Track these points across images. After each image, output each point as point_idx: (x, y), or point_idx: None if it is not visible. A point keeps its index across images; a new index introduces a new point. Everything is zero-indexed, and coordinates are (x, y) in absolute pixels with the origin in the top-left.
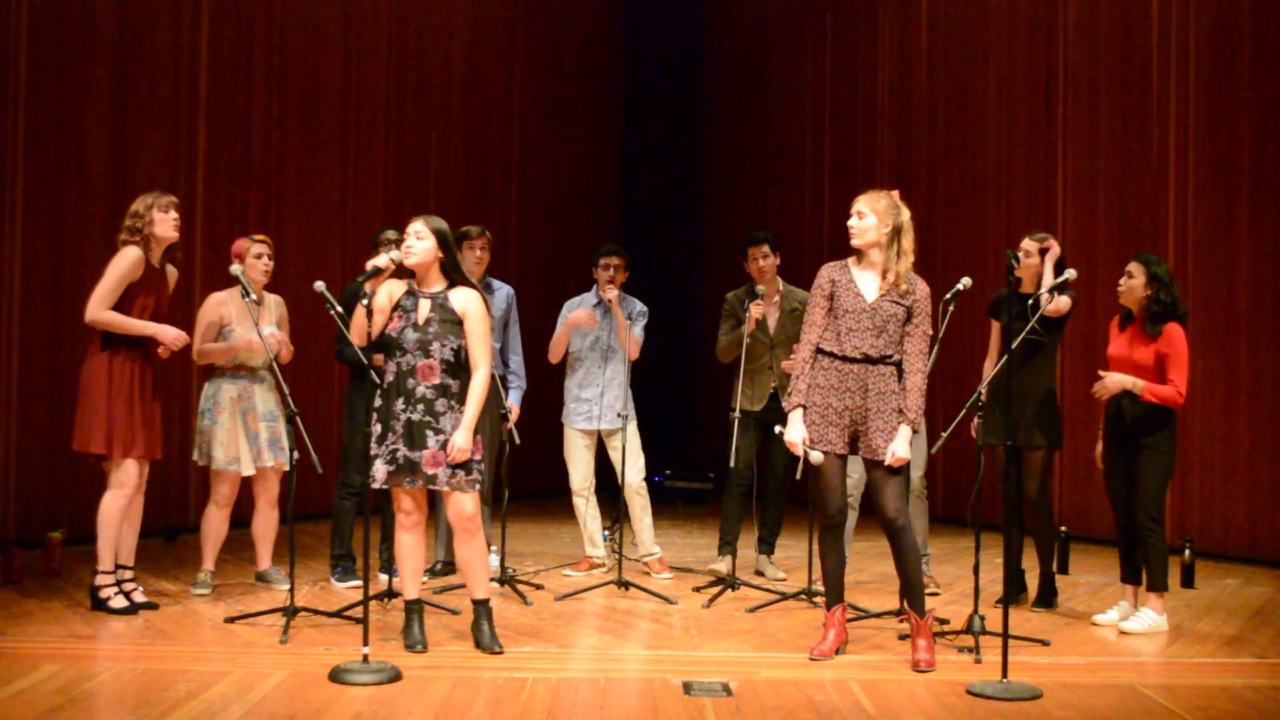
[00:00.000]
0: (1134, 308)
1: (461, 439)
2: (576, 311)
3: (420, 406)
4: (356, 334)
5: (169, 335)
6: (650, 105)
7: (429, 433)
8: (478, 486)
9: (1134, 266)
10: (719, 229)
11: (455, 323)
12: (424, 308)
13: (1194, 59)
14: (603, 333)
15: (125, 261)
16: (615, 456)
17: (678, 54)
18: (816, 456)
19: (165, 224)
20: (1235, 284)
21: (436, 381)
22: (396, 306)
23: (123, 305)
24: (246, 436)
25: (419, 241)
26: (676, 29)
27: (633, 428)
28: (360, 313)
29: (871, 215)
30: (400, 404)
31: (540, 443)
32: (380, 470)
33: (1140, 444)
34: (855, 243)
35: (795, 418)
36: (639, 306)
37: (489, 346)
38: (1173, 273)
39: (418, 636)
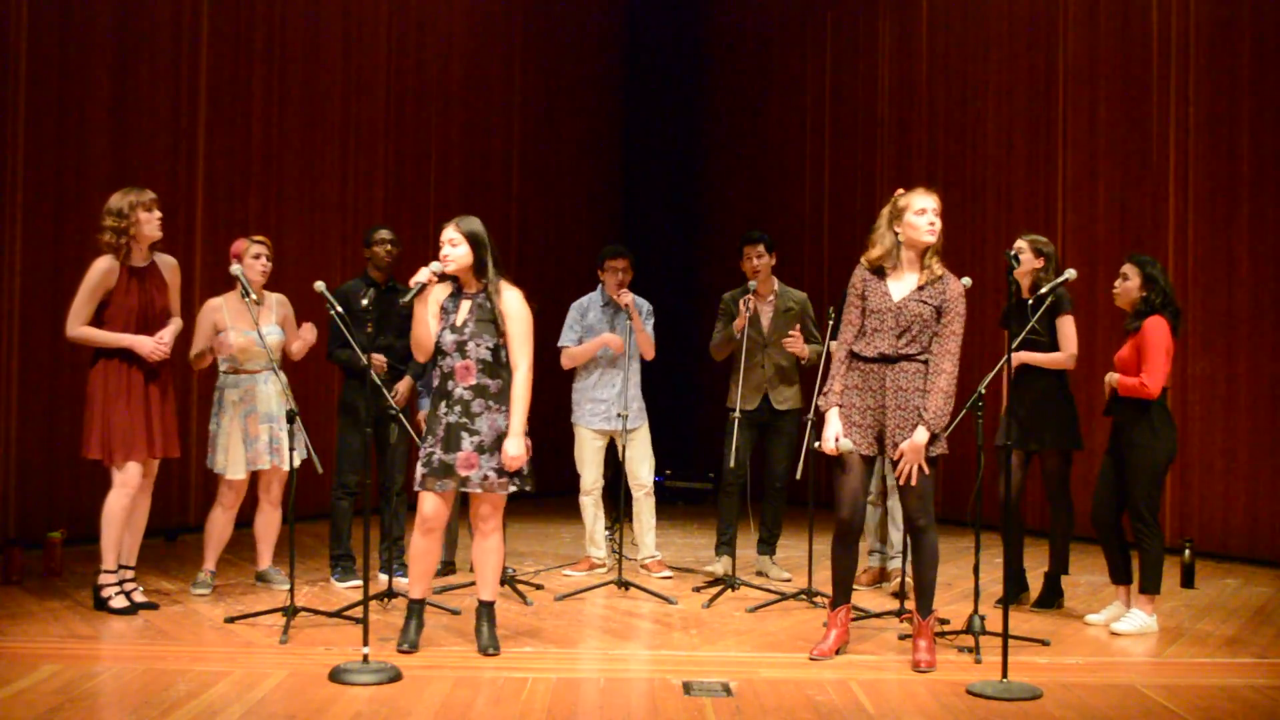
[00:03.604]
0: (1127, 309)
1: (514, 447)
2: (609, 336)
3: (458, 408)
4: (419, 351)
5: (145, 347)
6: (650, 105)
7: (464, 435)
8: (512, 489)
9: (1128, 268)
10: (719, 228)
11: (491, 321)
12: (464, 309)
13: (1194, 59)
14: (619, 334)
15: (94, 274)
16: (631, 455)
17: (678, 54)
18: (846, 444)
19: (151, 224)
20: (1235, 284)
21: (473, 382)
22: (441, 309)
23: (105, 313)
24: (244, 440)
25: (453, 249)
26: (677, 29)
27: (645, 429)
28: (418, 329)
29: (939, 216)
30: (443, 407)
31: (540, 443)
32: (420, 473)
33: (1125, 443)
34: (930, 239)
35: (831, 417)
36: (646, 306)
37: (529, 346)
38: (1166, 271)
39: (410, 636)
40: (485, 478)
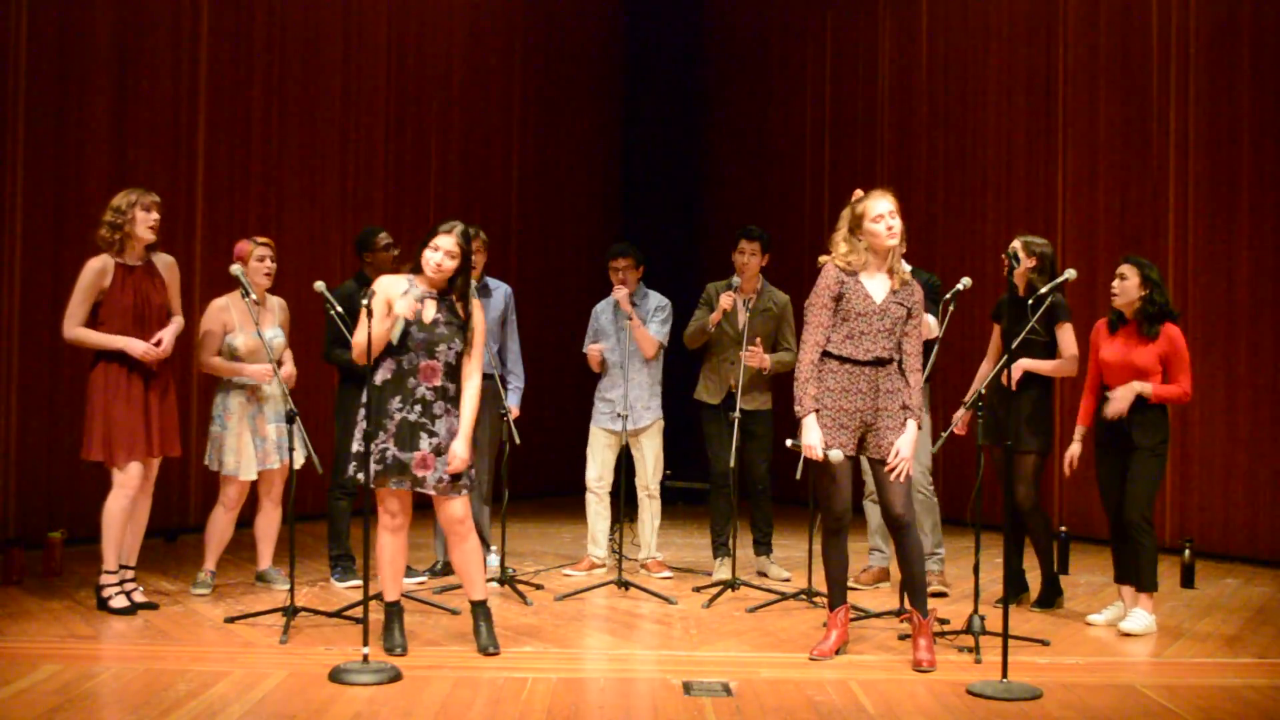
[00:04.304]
0: (1128, 310)
1: (462, 449)
2: (591, 348)
3: (418, 408)
4: (358, 353)
5: (137, 349)
6: (650, 105)
7: (423, 435)
8: (465, 491)
9: (1126, 268)
10: (718, 228)
11: (461, 329)
12: (430, 309)
13: (1194, 60)
14: (623, 334)
15: (88, 274)
16: (637, 455)
17: (678, 54)
18: (836, 455)
19: (145, 224)
20: (1235, 284)
21: (437, 384)
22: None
23: (102, 312)
24: (254, 441)
25: (450, 261)
26: (676, 29)
27: (654, 430)
28: (361, 333)
29: (898, 215)
30: (396, 402)
31: (541, 442)
32: (371, 469)
33: (1135, 447)
34: (893, 243)
35: (810, 423)
36: (656, 303)
37: (482, 359)
38: (1162, 273)
39: (398, 640)
40: (440, 480)
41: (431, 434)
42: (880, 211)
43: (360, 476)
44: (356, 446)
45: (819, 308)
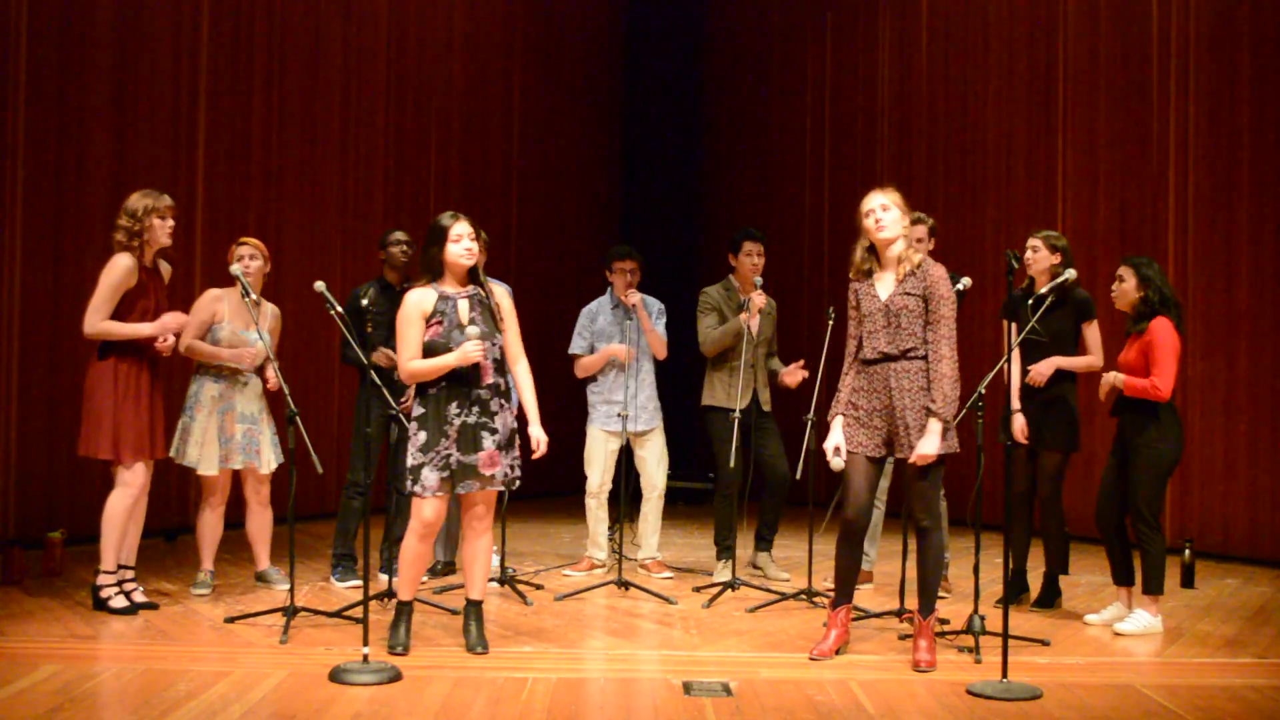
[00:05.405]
0: (1128, 310)
1: (541, 431)
2: (615, 346)
3: (475, 409)
4: (405, 376)
5: (171, 324)
6: (650, 105)
7: (484, 434)
8: (518, 483)
9: (1123, 270)
10: (718, 228)
11: (494, 319)
12: (463, 308)
13: (1194, 59)
14: (630, 336)
15: (117, 271)
16: (642, 455)
17: (678, 54)
18: (836, 464)
19: (163, 231)
20: (1235, 284)
21: (490, 381)
22: (434, 313)
23: (121, 312)
24: (220, 437)
25: (474, 242)
26: (676, 29)
27: (660, 431)
28: (411, 354)
29: (895, 208)
30: (454, 408)
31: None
32: (431, 478)
33: (1131, 444)
34: (884, 235)
35: (834, 426)
36: (657, 305)
37: (520, 337)
38: (1163, 271)
39: (401, 638)
40: (505, 474)
41: (493, 431)
42: (870, 207)
43: (416, 489)
44: (413, 460)
45: (849, 320)
